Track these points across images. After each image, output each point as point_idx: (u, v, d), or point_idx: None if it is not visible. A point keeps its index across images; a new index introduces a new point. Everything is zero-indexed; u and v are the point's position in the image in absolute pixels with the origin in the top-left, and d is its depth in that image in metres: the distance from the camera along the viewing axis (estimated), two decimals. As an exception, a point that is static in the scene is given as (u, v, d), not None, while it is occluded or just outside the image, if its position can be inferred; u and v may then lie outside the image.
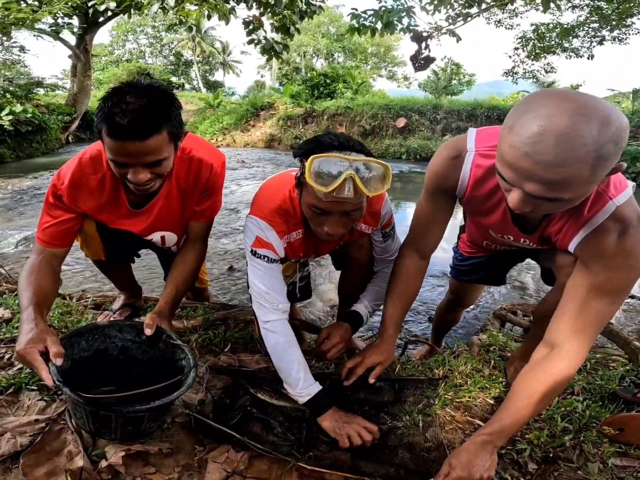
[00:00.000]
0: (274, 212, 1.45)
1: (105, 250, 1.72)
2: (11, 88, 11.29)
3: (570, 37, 12.90)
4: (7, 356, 1.51)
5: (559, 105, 0.84)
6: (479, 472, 1.11)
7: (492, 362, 1.73)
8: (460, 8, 6.63)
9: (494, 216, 1.31)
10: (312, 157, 1.21)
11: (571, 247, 1.17)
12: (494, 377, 1.66)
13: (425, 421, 1.41)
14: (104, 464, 1.10)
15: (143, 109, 1.19)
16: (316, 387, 1.36)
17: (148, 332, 1.31)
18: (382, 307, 1.59)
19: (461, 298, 2.13)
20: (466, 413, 1.48)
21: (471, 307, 3.19)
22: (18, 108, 11.04)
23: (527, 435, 1.35)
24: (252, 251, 1.45)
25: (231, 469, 1.16)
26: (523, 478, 1.21)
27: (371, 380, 1.46)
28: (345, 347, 1.59)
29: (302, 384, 1.35)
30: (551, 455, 1.29)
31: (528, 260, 1.76)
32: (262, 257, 1.44)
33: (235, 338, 1.77)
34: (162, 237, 1.69)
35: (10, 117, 10.77)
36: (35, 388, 1.34)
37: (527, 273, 3.86)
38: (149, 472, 1.12)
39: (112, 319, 1.87)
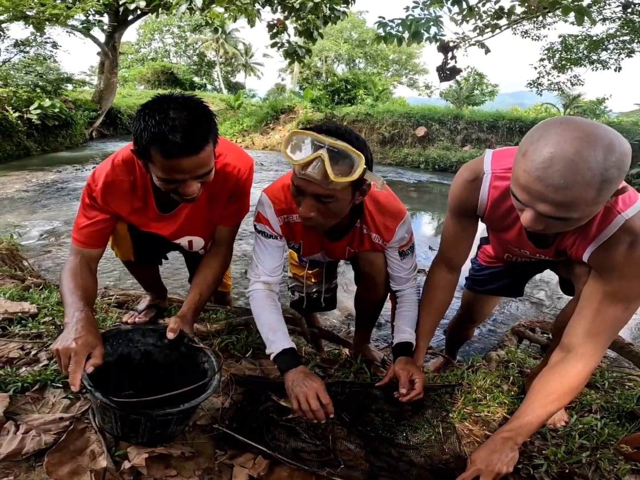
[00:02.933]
0: (279, 189, 1.53)
1: (135, 252, 1.74)
2: (41, 83, 11.52)
3: (599, 50, 12.72)
4: (33, 352, 1.52)
5: (567, 133, 0.94)
6: (499, 466, 1.15)
7: (511, 378, 1.72)
8: (489, 19, 6.58)
9: (511, 233, 1.41)
10: (293, 130, 1.29)
11: (585, 258, 1.24)
12: (512, 393, 1.64)
13: (444, 434, 1.41)
14: (126, 465, 1.10)
15: (190, 124, 1.19)
16: (282, 346, 1.42)
17: (171, 335, 1.32)
18: None
19: (472, 313, 2.12)
20: (484, 427, 1.48)
21: (488, 321, 3.18)
22: (47, 103, 11.28)
23: (544, 451, 1.35)
24: (254, 225, 1.59)
25: (256, 473, 1.16)
26: (539, 495, 1.21)
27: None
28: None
29: (270, 344, 1.44)
30: (567, 471, 1.28)
31: (543, 276, 1.76)
32: (259, 231, 1.58)
33: (257, 344, 1.77)
34: (190, 242, 1.71)
35: (39, 111, 11.02)
36: (61, 385, 1.35)
37: (542, 289, 3.82)
38: (170, 474, 1.13)
39: (137, 319, 1.89)
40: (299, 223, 1.55)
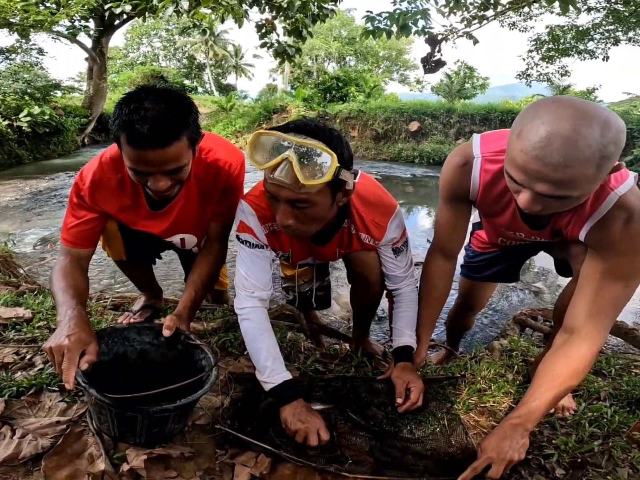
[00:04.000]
0: (260, 195, 1.42)
1: (127, 250, 1.71)
2: (29, 90, 11.44)
3: (586, 40, 12.76)
4: (28, 356, 1.50)
5: (562, 111, 0.93)
6: (509, 454, 1.13)
7: (516, 367, 1.70)
8: (475, 11, 6.58)
9: (504, 216, 1.39)
10: (257, 132, 1.18)
11: (581, 237, 1.23)
12: (517, 382, 1.62)
13: (450, 426, 1.39)
14: (125, 467, 1.08)
15: (163, 116, 1.16)
16: (282, 377, 1.33)
17: (167, 333, 1.29)
18: None
19: (471, 300, 2.10)
20: (491, 418, 1.46)
21: (488, 312, 3.16)
22: (36, 110, 11.19)
23: (554, 441, 1.32)
24: (237, 236, 1.47)
25: (258, 472, 1.14)
26: (551, 484, 1.18)
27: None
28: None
29: (269, 372, 1.33)
30: (579, 460, 1.26)
31: (542, 266, 1.75)
32: (244, 242, 1.45)
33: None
34: (182, 240, 1.68)
35: (29, 118, 10.92)
36: (57, 389, 1.33)
37: (542, 279, 3.82)
38: (170, 476, 1.11)
39: (132, 320, 1.87)
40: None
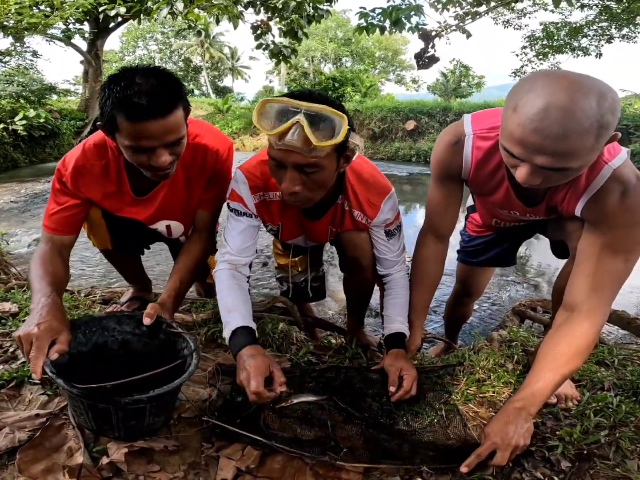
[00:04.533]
0: (255, 165, 1.43)
1: (112, 239, 1.67)
2: (25, 93, 11.41)
3: (579, 36, 12.79)
4: (11, 349, 1.46)
5: (557, 83, 0.92)
6: (514, 439, 1.09)
7: (515, 357, 1.65)
8: (468, 7, 6.58)
9: (498, 194, 1.36)
10: (262, 100, 1.18)
11: (577, 212, 1.22)
12: (517, 372, 1.57)
13: (447, 417, 1.34)
14: (105, 461, 1.03)
15: (158, 87, 1.16)
16: (233, 326, 1.30)
17: (147, 321, 1.25)
18: None
19: (468, 286, 2.07)
20: (490, 409, 1.40)
21: (487, 305, 3.12)
22: (31, 113, 11.17)
23: (558, 432, 1.26)
24: (227, 203, 1.49)
25: (244, 466, 1.08)
26: (556, 477, 1.12)
27: None
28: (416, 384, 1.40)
29: (224, 328, 1.34)
30: (585, 452, 1.20)
31: (541, 259, 1.71)
32: (232, 209, 1.47)
33: (244, 332, 1.70)
34: (168, 227, 1.64)
35: (24, 122, 10.92)
36: (38, 382, 1.28)
37: (541, 272, 3.80)
38: (152, 470, 1.05)
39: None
40: (277, 202, 1.46)
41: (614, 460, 1.17)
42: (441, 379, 1.53)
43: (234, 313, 1.34)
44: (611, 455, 1.19)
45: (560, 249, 1.55)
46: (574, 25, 12.37)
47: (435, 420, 1.32)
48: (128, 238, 1.70)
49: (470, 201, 1.83)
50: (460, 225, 1.86)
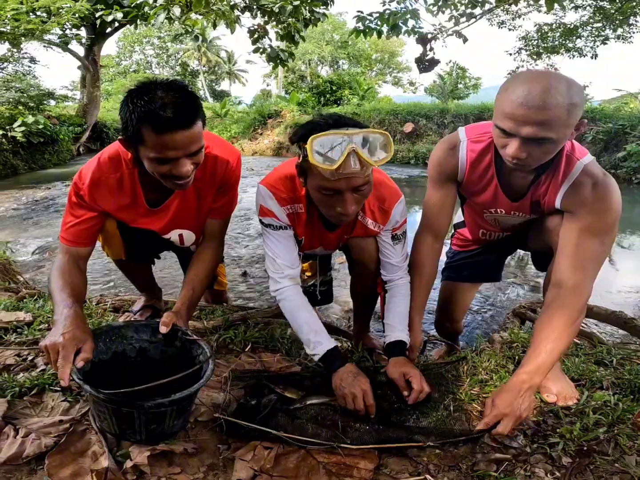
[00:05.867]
0: (278, 180, 1.49)
1: (126, 249, 1.72)
2: (23, 99, 11.37)
3: (574, 37, 12.86)
4: (29, 358, 1.51)
5: (537, 73, 1.22)
6: (520, 410, 1.24)
7: (517, 357, 1.70)
8: (463, 8, 6.64)
9: (487, 192, 1.54)
10: (311, 138, 1.23)
11: (557, 203, 1.41)
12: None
13: (452, 416, 1.39)
14: (129, 464, 1.08)
15: (180, 100, 1.22)
16: (324, 348, 1.40)
17: (163, 329, 1.30)
18: None
19: (450, 306, 2.12)
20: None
21: (487, 307, 3.17)
22: (30, 119, 11.10)
23: (558, 430, 1.32)
24: (260, 220, 1.54)
25: (258, 467, 1.13)
26: (557, 472, 1.18)
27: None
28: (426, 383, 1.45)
29: (312, 345, 1.42)
30: (585, 448, 1.25)
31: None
32: (268, 225, 1.52)
33: (255, 338, 1.76)
34: (180, 236, 1.69)
35: (23, 128, 10.84)
36: (59, 389, 1.33)
37: (540, 276, 3.80)
38: (174, 472, 1.10)
39: (132, 319, 1.86)
40: (303, 214, 1.52)
41: (612, 456, 1.23)
42: (445, 379, 1.58)
43: (321, 333, 1.44)
44: (610, 451, 1.24)
45: (541, 260, 1.72)
46: (569, 26, 12.44)
47: (441, 420, 1.37)
48: (141, 248, 1.75)
49: (458, 217, 1.96)
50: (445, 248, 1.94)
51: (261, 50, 6.98)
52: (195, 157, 1.32)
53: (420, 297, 1.63)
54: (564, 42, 13.08)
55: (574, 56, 13.44)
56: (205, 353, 1.26)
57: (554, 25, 12.76)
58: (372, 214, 1.53)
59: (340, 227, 1.58)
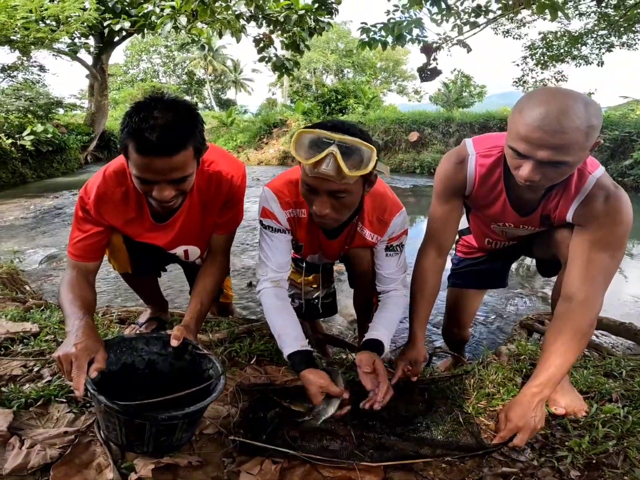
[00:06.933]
0: (283, 184, 1.51)
1: (132, 263, 1.72)
2: (32, 108, 11.48)
3: (579, 45, 12.88)
4: (35, 369, 1.51)
5: (553, 94, 1.16)
6: (534, 422, 1.25)
7: (524, 370, 1.68)
8: (467, 17, 6.66)
9: (495, 206, 1.52)
10: (300, 130, 1.28)
11: (569, 217, 1.39)
12: (526, 385, 1.61)
13: (459, 430, 1.37)
14: (133, 476, 1.08)
15: (171, 125, 1.19)
16: (287, 351, 1.41)
17: (174, 343, 1.30)
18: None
19: (457, 313, 2.12)
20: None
21: (494, 318, 3.14)
22: (39, 128, 11.23)
23: (566, 443, 1.30)
24: (260, 221, 1.56)
25: (265, 480, 1.13)
26: (566, 486, 1.16)
27: (414, 379, 1.55)
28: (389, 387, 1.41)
29: (280, 344, 1.44)
30: (594, 461, 1.24)
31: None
32: (266, 226, 1.55)
33: (260, 351, 1.76)
34: (186, 251, 1.69)
35: (32, 137, 10.97)
36: (64, 400, 1.33)
37: (548, 284, 3.80)
38: (178, 485, 1.10)
39: (138, 332, 1.87)
40: (304, 219, 1.54)
41: (622, 469, 1.21)
42: (451, 391, 1.57)
43: (285, 338, 1.44)
44: (619, 464, 1.23)
45: (546, 268, 1.73)
46: (574, 34, 12.46)
47: (449, 432, 1.37)
48: (147, 262, 1.76)
49: (463, 224, 1.92)
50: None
51: (267, 59, 7.03)
52: (179, 184, 1.30)
53: (422, 312, 1.61)
54: (569, 50, 13.11)
55: (580, 64, 13.46)
56: (215, 367, 1.26)
57: (559, 33, 12.79)
58: (370, 225, 1.54)
59: (340, 236, 1.59)
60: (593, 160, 1.37)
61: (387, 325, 1.54)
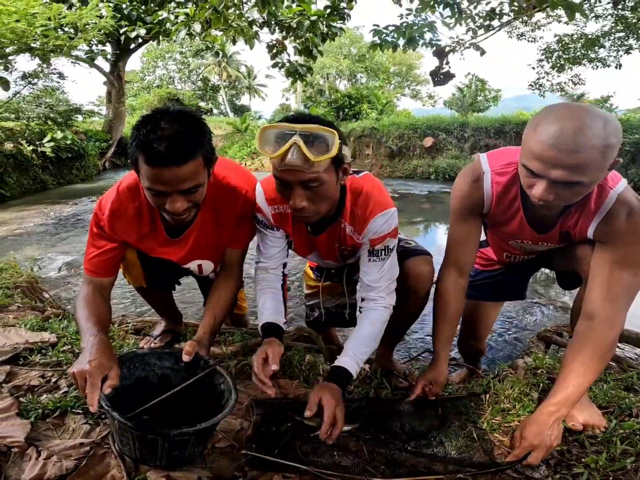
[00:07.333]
0: (270, 180, 1.50)
1: (146, 278, 1.74)
2: (52, 115, 11.69)
3: (596, 47, 12.71)
4: (53, 379, 1.53)
5: (570, 110, 1.11)
6: (549, 440, 1.25)
7: (541, 385, 1.64)
8: (481, 20, 6.62)
9: (513, 224, 1.49)
10: (263, 126, 1.30)
11: (590, 234, 1.35)
12: (543, 400, 1.57)
13: (473, 446, 1.36)
14: (144, 489, 1.09)
15: (179, 135, 1.20)
16: (260, 322, 1.53)
17: (186, 358, 1.31)
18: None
19: (474, 324, 2.09)
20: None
21: (511, 329, 3.10)
22: (59, 135, 11.46)
23: (583, 459, 1.28)
24: (255, 215, 1.60)
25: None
26: (582, 504, 1.14)
27: (431, 398, 1.54)
28: (342, 417, 1.29)
29: (260, 318, 1.55)
30: (611, 479, 1.21)
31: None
32: (259, 221, 1.60)
33: (273, 364, 1.75)
34: (200, 266, 1.70)
35: (52, 143, 11.20)
36: (81, 411, 1.35)
37: (566, 294, 3.74)
38: (189, 499, 1.11)
39: (153, 344, 1.89)
40: (290, 214, 1.54)
41: (640, 487, 1.18)
42: (466, 407, 1.55)
43: (260, 314, 1.57)
44: (637, 481, 1.20)
45: (566, 280, 1.68)
46: (590, 37, 12.30)
47: (463, 449, 1.35)
48: (161, 276, 1.77)
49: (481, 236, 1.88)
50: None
51: (280, 65, 7.08)
52: (190, 195, 1.30)
53: (445, 333, 1.60)
54: (586, 52, 12.94)
55: (597, 67, 13.29)
56: (227, 382, 1.27)
57: (575, 36, 12.64)
58: (350, 220, 1.50)
59: (325, 232, 1.55)
60: (615, 173, 1.31)
61: (356, 346, 1.44)
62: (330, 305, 2.02)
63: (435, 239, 6.02)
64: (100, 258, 1.51)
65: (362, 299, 1.54)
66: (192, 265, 1.69)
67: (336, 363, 1.43)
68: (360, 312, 1.53)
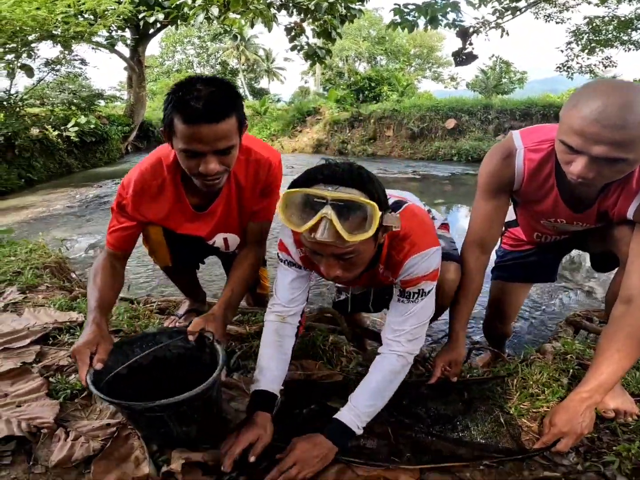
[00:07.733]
0: None
1: (172, 257, 1.75)
2: (75, 100, 11.84)
3: (629, 30, 12.19)
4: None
5: (612, 86, 1.07)
6: (580, 428, 1.21)
7: (571, 370, 1.59)
8: (507, 1, 6.40)
9: (546, 202, 1.44)
10: (287, 191, 1.08)
11: (630, 214, 1.30)
12: (573, 387, 1.53)
13: (500, 432, 1.33)
14: (164, 469, 1.11)
15: (215, 94, 1.23)
16: (255, 387, 1.30)
17: (190, 338, 1.32)
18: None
19: (502, 306, 2.03)
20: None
21: (537, 313, 3.04)
22: (82, 120, 11.65)
23: (614, 447, 1.24)
24: (277, 254, 1.45)
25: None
26: (612, 492, 1.11)
27: (453, 379, 1.51)
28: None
29: (256, 376, 1.33)
30: (643, 467, 1.17)
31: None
32: (281, 260, 1.44)
33: (297, 344, 1.74)
34: (225, 240, 1.70)
35: (76, 128, 11.40)
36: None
37: (594, 278, 3.64)
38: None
39: (177, 324, 1.91)
40: None
41: (674, 477, 1.14)
42: (492, 391, 1.52)
43: (260, 376, 1.32)
44: (672, 470, 1.16)
45: (600, 262, 1.66)
46: (623, 19, 11.80)
47: (489, 434, 1.34)
48: (187, 254, 1.78)
49: (510, 216, 1.80)
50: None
51: (298, 47, 7.03)
52: (224, 156, 1.31)
53: (464, 311, 1.56)
54: (618, 35, 12.44)
55: (629, 49, 12.79)
56: (219, 357, 1.22)
57: (606, 18, 12.15)
58: (386, 262, 1.34)
59: (362, 278, 1.42)
60: None
61: (359, 398, 1.28)
62: (357, 292, 1.99)
63: (458, 221, 5.93)
64: (119, 233, 1.53)
65: (384, 343, 1.38)
66: (219, 239, 1.69)
67: (338, 417, 1.26)
68: (378, 356, 1.37)
